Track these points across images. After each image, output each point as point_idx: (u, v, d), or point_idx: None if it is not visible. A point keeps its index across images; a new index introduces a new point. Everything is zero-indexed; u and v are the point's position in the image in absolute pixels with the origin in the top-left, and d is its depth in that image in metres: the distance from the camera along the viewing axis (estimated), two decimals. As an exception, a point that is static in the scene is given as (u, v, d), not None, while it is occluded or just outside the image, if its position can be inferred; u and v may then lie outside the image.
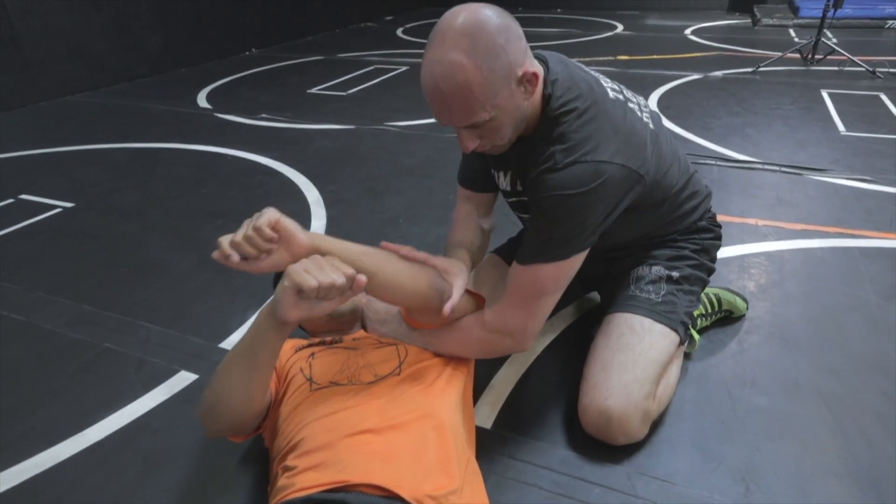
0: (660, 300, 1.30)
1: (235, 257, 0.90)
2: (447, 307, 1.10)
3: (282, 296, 0.92)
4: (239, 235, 0.91)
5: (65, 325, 1.70)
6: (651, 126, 1.20)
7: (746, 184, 2.54)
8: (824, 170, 2.64)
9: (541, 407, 1.35)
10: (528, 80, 1.01)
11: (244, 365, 0.99)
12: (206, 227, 2.30)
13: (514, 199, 1.33)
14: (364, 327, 1.33)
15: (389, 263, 1.08)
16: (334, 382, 1.10)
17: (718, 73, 4.52)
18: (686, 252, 1.37)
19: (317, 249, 0.97)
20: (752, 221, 2.19)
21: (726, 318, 1.61)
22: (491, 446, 1.23)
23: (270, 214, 0.93)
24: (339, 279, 0.91)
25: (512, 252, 1.55)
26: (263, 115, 3.75)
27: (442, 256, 1.19)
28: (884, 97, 3.76)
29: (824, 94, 3.88)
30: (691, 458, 1.20)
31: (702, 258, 1.39)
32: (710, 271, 1.42)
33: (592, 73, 1.18)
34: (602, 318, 1.33)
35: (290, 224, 0.94)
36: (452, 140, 3.20)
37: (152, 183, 2.74)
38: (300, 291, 0.91)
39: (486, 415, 1.33)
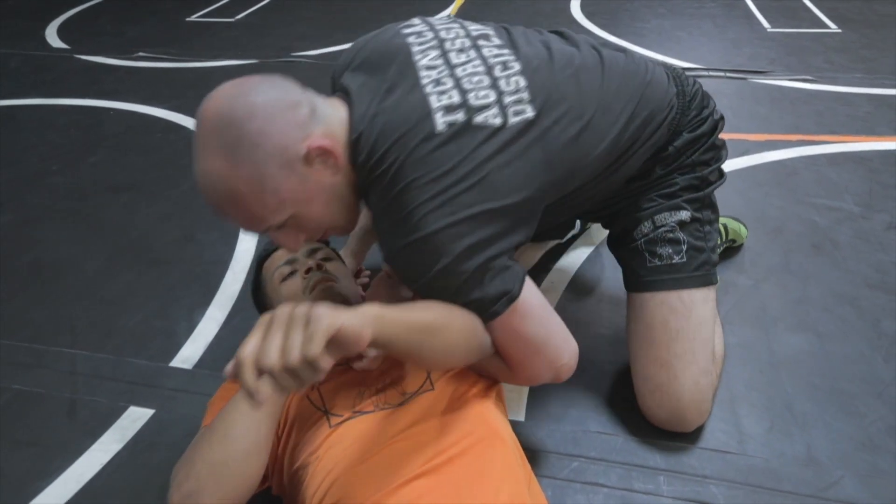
0: (685, 260, 1.08)
1: (264, 394, 0.58)
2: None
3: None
4: (273, 358, 0.58)
5: (-49, 365, 1.32)
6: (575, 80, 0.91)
7: (697, 94, 2.44)
8: (766, 72, 2.60)
9: (572, 383, 1.21)
10: (320, 155, 0.79)
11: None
12: (112, 208, 1.87)
13: None
14: None
15: (448, 327, 0.81)
16: (358, 412, 0.89)
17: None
18: (676, 179, 1.09)
19: (377, 345, 0.69)
20: (716, 136, 2.11)
21: (728, 248, 1.53)
22: (532, 442, 1.08)
23: (326, 322, 0.59)
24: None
25: None
26: (141, 54, 3.14)
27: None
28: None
29: (740, -12, 3.84)
30: (742, 421, 1.12)
31: (700, 172, 1.10)
32: (710, 184, 1.12)
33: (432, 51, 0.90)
34: (629, 295, 1.12)
35: (352, 325, 0.62)
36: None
37: (20, 155, 2.21)
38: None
39: (515, 403, 1.17)
